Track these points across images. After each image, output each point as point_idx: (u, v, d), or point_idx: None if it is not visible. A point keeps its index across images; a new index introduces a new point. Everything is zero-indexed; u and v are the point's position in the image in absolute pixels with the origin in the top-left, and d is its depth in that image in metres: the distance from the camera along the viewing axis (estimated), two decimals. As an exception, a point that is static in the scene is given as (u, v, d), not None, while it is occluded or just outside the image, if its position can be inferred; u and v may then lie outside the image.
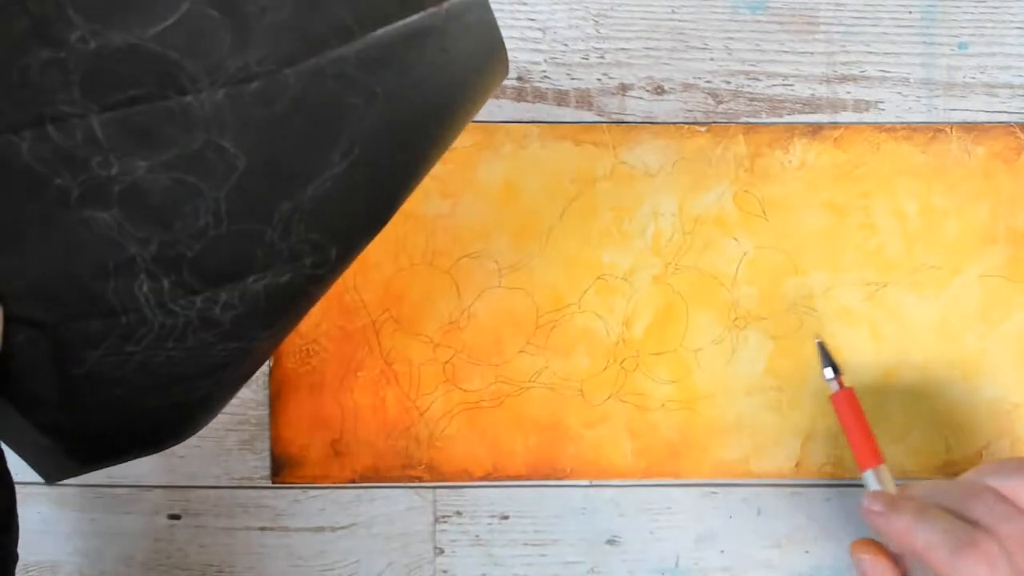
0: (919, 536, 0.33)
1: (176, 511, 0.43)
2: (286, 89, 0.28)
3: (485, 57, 0.30)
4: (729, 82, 0.43)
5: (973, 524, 0.32)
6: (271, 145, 0.29)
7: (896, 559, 0.36)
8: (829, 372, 0.39)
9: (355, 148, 0.30)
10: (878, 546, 0.36)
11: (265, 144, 0.29)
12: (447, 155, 0.43)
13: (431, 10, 0.29)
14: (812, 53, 0.43)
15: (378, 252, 0.43)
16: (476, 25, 0.29)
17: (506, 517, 0.43)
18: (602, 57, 0.43)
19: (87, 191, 0.28)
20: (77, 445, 0.34)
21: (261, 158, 0.29)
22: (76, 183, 0.28)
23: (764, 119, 0.43)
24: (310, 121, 0.29)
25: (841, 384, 0.39)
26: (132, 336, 0.31)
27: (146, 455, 0.36)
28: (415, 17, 0.29)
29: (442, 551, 0.43)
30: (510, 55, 0.43)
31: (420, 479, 0.43)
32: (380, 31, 0.28)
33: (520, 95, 0.43)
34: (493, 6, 0.42)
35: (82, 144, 0.28)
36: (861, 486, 0.43)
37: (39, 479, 0.37)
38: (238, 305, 0.31)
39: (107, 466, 0.36)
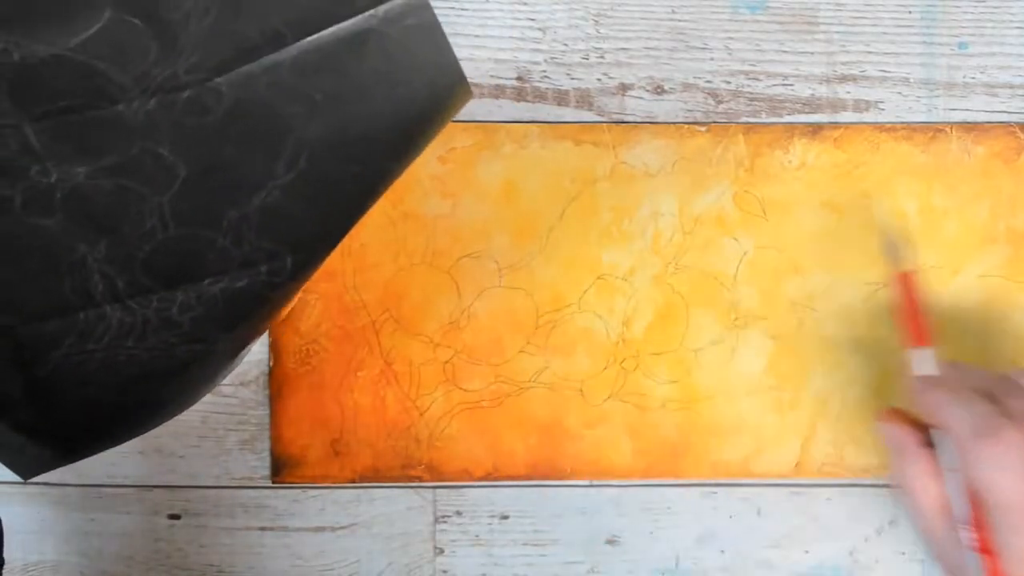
0: (950, 412, 0.34)
1: (176, 511, 0.43)
2: (220, 98, 0.28)
3: (435, 64, 0.30)
4: (729, 82, 0.43)
5: (1008, 415, 0.32)
6: (210, 154, 0.29)
7: (921, 432, 0.36)
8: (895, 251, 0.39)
9: (301, 158, 0.29)
10: (902, 416, 0.37)
11: (204, 153, 0.29)
12: (447, 155, 0.43)
13: (367, 13, 0.28)
14: (812, 53, 0.43)
15: (378, 252, 0.43)
16: (418, 28, 0.29)
17: (506, 517, 0.43)
18: (602, 57, 0.43)
19: (29, 198, 0.29)
20: (49, 442, 0.34)
21: (201, 166, 0.29)
22: (18, 191, 0.29)
23: (764, 119, 0.43)
24: (248, 130, 0.29)
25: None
26: (92, 334, 0.31)
27: (115, 446, 0.37)
28: (350, 21, 0.28)
29: (442, 551, 0.43)
30: (511, 55, 0.43)
31: (420, 479, 0.43)
32: (315, 36, 0.28)
33: (520, 95, 0.43)
34: (494, 6, 0.43)
35: (18, 154, 0.28)
36: (862, 485, 0.43)
37: (41, 480, 0.37)
38: (196, 307, 0.31)
39: (78, 460, 0.36)
